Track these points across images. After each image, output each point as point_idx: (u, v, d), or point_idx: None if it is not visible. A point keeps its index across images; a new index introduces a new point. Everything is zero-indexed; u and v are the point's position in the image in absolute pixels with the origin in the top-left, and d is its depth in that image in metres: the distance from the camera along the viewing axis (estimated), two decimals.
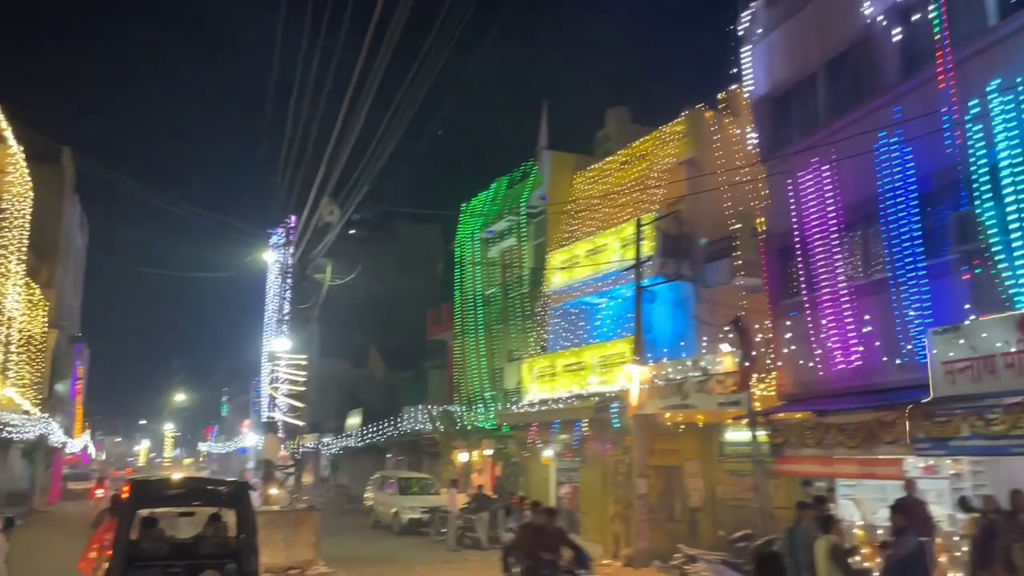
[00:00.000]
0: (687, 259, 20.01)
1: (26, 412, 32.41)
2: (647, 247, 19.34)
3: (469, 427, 26.92)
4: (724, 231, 19.80)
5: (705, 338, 18.29)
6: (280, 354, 18.26)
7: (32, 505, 35.23)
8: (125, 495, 9.59)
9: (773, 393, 15.81)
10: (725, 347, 15.39)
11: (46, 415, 36.46)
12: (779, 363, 15.30)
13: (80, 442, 59.01)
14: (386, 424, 35.98)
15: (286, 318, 18.57)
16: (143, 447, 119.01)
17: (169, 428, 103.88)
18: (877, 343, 12.84)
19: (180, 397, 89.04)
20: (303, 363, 18.46)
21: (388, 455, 39.10)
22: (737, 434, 19.08)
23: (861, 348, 12.99)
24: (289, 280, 18.62)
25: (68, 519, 29.51)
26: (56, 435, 40.61)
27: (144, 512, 10.19)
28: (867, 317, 13.08)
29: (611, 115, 26.85)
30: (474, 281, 30.36)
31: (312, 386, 59.42)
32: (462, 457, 28.41)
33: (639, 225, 19.14)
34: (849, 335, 13.39)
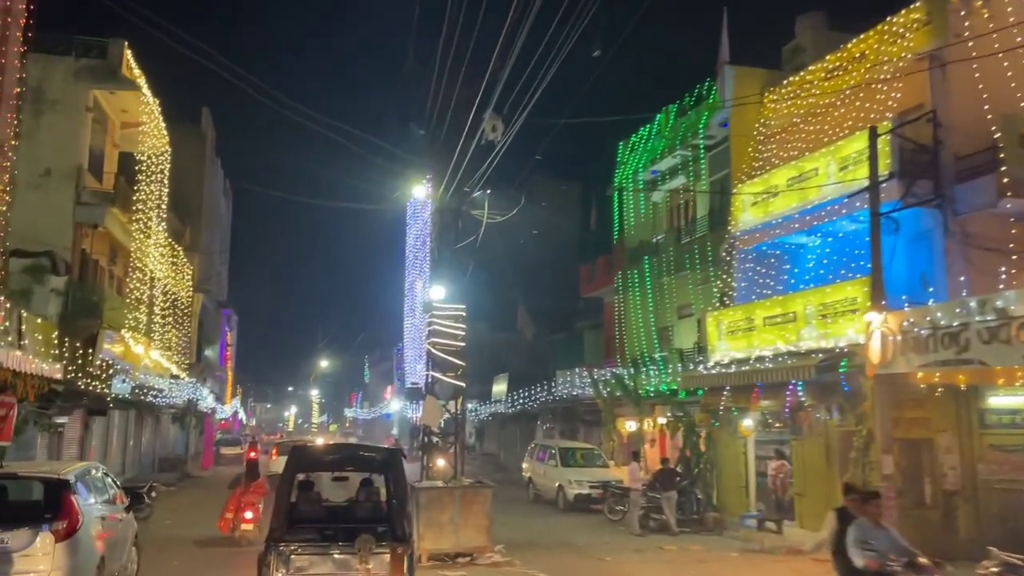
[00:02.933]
0: (932, 178, 15.81)
1: (174, 376, 31.77)
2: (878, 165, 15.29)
3: (643, 392, 23.62)
4: (983, 141, 15.48)
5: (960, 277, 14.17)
6: (437, 304, 15.54)
7: (185, 470, 34.88)
8: (273, 457, 10.67)
9: None
10: None
11: (194, 380, 36.03)
12: None
13: (231, 408, 60.03)
14: (537, 389, 33.27)
15: (439, 261, 15.84)
16: (291, 413, 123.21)
17: (315, 394, 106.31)
18: None
19: (324, 363, 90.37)
20: (462, 314, 15.68)
21: (538, 422, 36.49)
22: (1007, 399, 14.95)
23: None
24: (442, 218, 15.84)
25: (220, 484, 28.53)
26: (206, 400, 40.45)
27: (301, 476, 10.30)
28: None
29: (803, 23, 22.52)
30: (637, 228, 26.88)
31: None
32: (629, 426, 25.20)
33: (874, 135, 15.08)
34: None
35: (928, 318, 12.99)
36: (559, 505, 22.75)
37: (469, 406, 49.23)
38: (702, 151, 22.85)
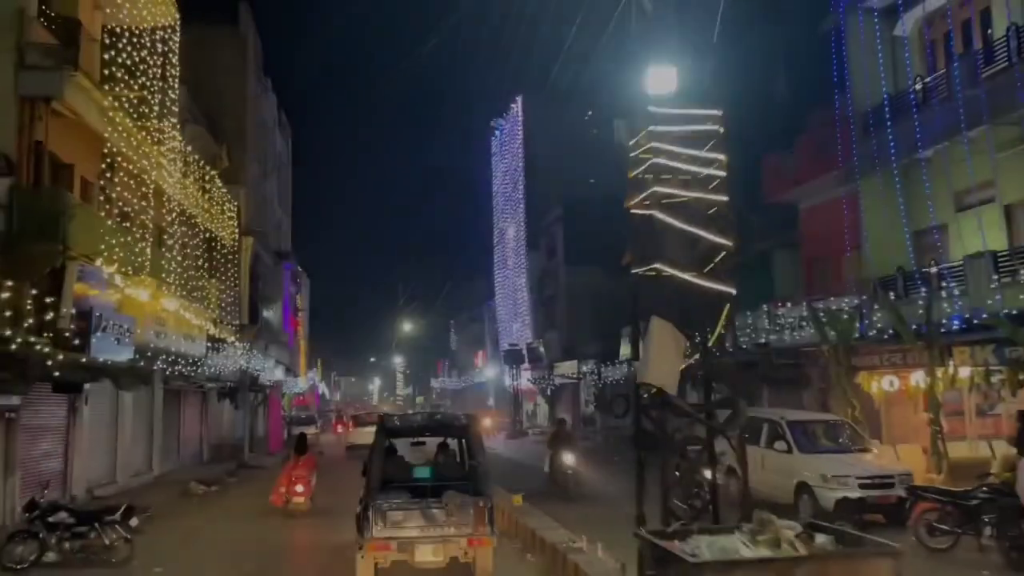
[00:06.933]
0: None
1: (218, 340, 24.15)
2: None
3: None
4: None
5: None
6: (656, 107, 6.78)
7: (243, 459, 27.20)
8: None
9: None
10: None
11: (246, 344, 28.33)
12: None
13: (306, 381, 52.86)
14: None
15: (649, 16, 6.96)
16: (375, 386, 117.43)
17: (399, 363, 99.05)
18: None
19: (407, 327, 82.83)
20: (719, 128, 6.87)
21: (687, 385, 27.43)
22: None
23: None
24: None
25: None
26: (268, 372, 32.81)
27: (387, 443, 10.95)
28: None
29: None
30: (871, 82, 17.44)
31: (560, 305, 48.51)
32: (887, 384, 16.00)
33: None
34: None
35: None
36: (800, 515, 13.75)
37: (585, 368, 40.46)
38: None
